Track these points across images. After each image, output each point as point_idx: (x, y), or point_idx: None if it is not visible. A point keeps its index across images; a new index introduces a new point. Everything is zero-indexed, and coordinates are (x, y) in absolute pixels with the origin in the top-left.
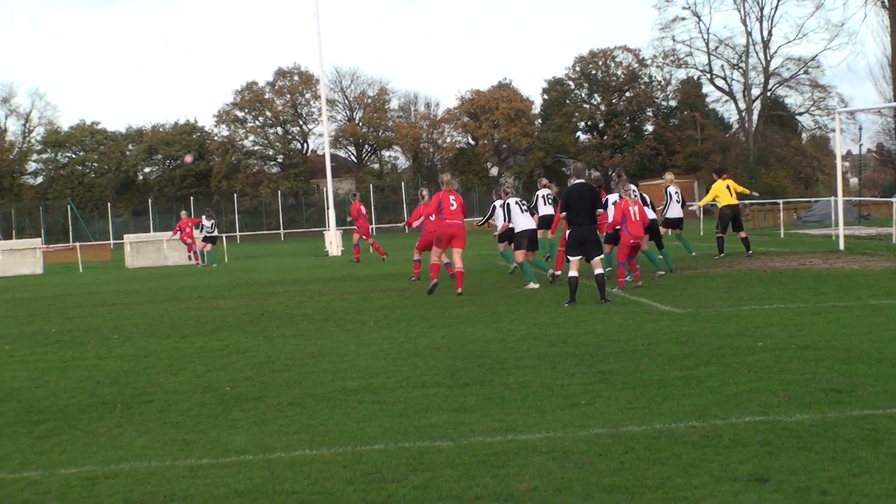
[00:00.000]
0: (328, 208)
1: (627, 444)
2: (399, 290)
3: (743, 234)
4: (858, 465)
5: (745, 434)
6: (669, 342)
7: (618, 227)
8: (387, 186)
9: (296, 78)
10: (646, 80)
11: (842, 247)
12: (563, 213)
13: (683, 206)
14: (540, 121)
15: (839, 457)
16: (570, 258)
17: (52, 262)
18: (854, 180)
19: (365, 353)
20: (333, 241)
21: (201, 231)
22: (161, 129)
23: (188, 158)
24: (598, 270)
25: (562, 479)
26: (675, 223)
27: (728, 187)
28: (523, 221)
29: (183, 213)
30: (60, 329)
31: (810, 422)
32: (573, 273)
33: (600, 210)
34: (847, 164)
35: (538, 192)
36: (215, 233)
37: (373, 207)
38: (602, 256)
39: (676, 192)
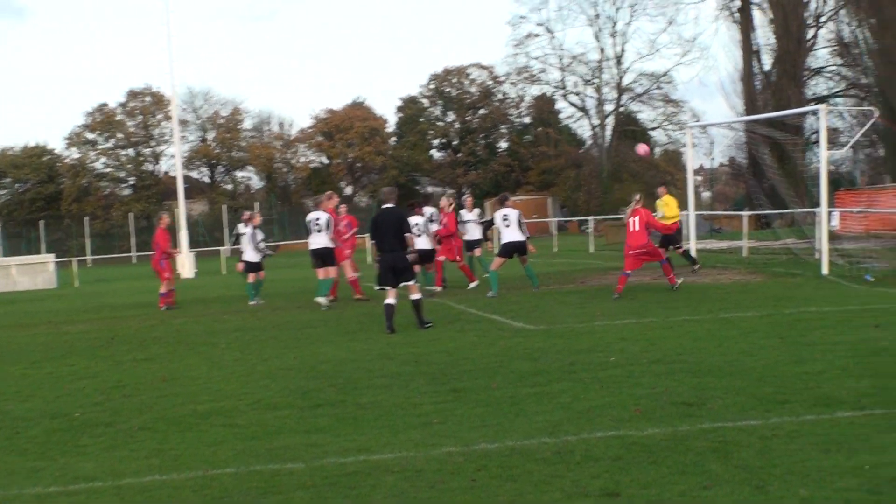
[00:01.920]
0: (180, 230)
1: (480, 461)
2: (251, 311)
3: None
4: (709, 478)
5: (596, 449)
6: (522, 359)
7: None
8: (240, 207)
9: (148, 99)
10: (500, 97)
11: None
12: (373, 240)
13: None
14: (394, 139)
15: (689, 470)
16: (384, 287)
17: None
18: (706, 194)
19: (217, 375)
20: (186, 263)
21: None
22: (10, 153)
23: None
24: (415, 296)
25: (414, 499)
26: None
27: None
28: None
29: None
30: None
31: (661, 436)
32: (390, 300)
33: (408, 234)
34: (699, 178)
35: (241, 227)
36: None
37: (226, 228)
38: (415, 281)
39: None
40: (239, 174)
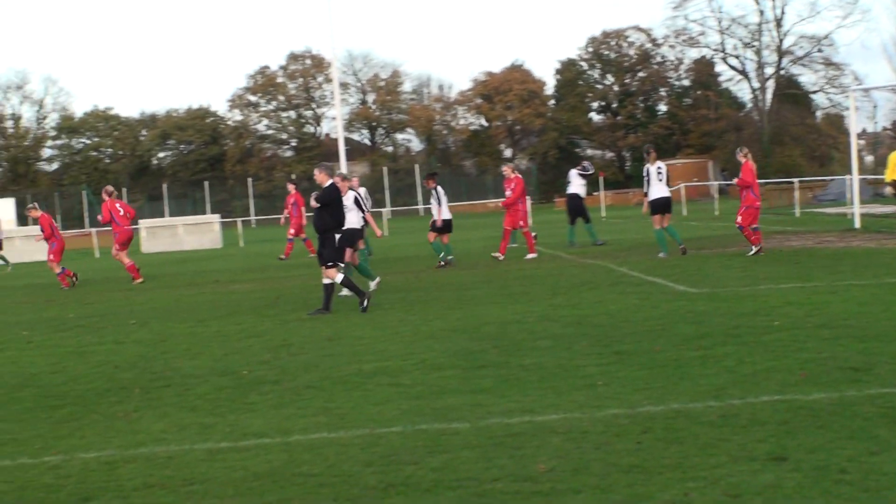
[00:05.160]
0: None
1: (645, 424)
2: (414, 272)
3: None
4: (877, 444)
5: (762, 413)
6: (685, 322)
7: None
8: (401, 169)
9: (308, 62)
10: (658, 59)
11: (857, 225)
12: None
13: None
14: (553, 101)
15: (857, 435)
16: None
17: (68, 249)
18: (869, 158)
19: (381, 335)
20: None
21: None
22: (175, 115)
23: None
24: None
25: (579, 460)
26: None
27: None
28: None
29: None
30: (78, 314)
31: (828, 400)
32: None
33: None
34: (862, 142)
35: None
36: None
37: (387, 190)
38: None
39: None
40: (399, 136)
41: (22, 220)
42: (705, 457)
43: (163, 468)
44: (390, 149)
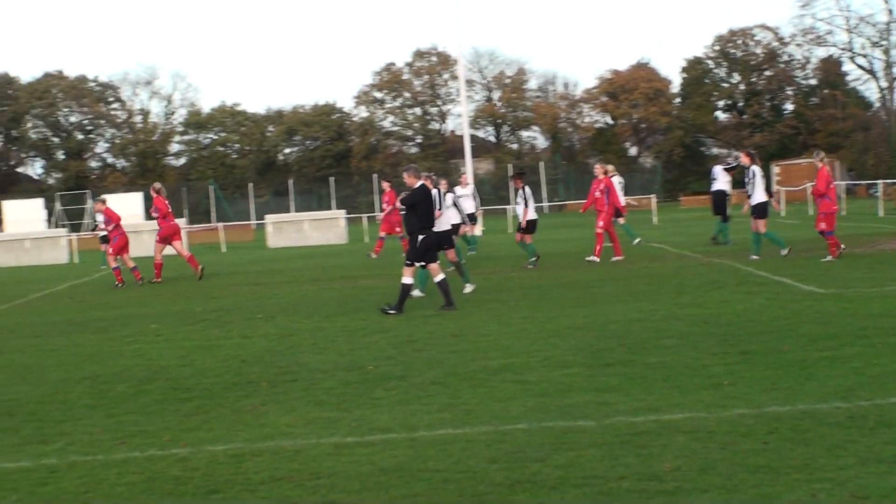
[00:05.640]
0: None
1: (771, 424)
2: (538, 269)
3: None
4: None
5: (890, 415)
6: (812, 322)
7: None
8: (526, 167)
9: (434, 58)
10: (785, 58)
11: None
12: None
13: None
14: (679, 100)
15: None
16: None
17: (195, 243)
18: None
19: (506, 332)
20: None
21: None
22: (301, 111)
23: None
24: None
25: (705, 460)
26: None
27: None
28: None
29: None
30: (205, 308)
31: None
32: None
33: None
34: None
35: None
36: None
37: (511, 187)
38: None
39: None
40: (524, 134)
41: (149, 213)
42: (832, 458)
43: (290, 462)
44: (515, 146)
